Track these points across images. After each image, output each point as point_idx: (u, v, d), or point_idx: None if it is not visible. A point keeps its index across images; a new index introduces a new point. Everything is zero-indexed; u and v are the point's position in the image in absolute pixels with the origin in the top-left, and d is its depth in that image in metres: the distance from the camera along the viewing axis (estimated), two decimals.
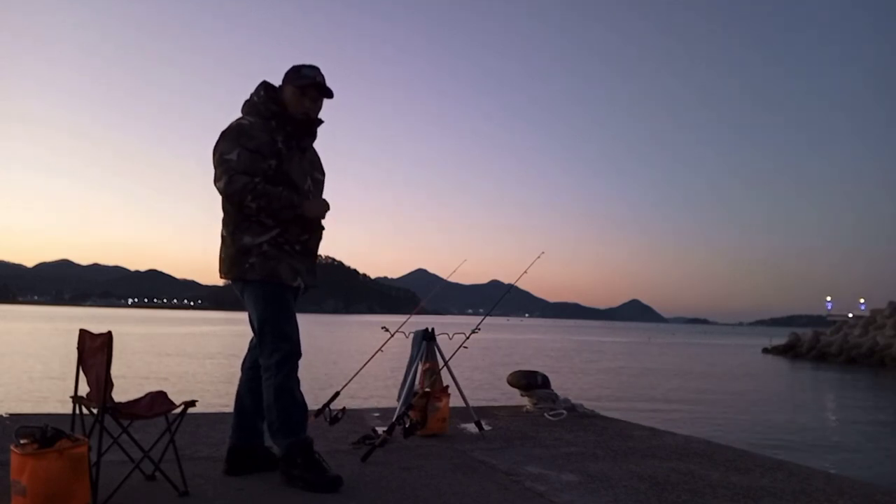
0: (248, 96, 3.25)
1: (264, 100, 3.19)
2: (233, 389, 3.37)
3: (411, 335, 4.67)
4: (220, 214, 3.20)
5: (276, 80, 3.22)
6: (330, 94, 3.22)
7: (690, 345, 67.66)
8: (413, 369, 4.52)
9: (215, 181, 3.04)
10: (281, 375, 3.06)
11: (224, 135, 3.10)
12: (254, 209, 3.03)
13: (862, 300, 58.44)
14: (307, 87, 3.15)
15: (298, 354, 3.14)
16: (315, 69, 3.19)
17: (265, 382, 3.09)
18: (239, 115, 3.23)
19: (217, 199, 3.19)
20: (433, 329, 4.66)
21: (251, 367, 3.28)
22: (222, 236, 3.16)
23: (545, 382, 5.58)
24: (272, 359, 3.08)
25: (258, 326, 3.12)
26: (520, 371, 5.72)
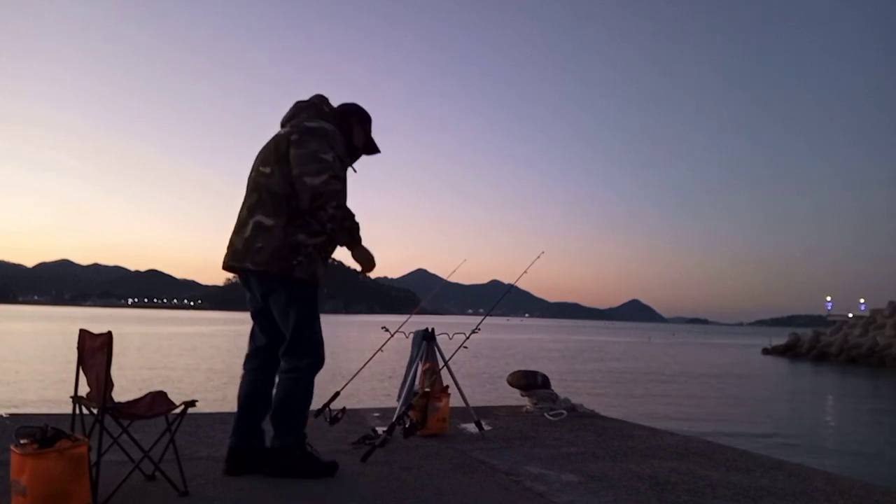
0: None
1: (339, 118, 3.30)
2: (233, 390, 3.37)
3: (411, 335, 4.67)
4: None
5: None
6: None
7: (690, 345, 67.66)
8: (413, 369, 4.52)
9: (306, 174, 2.98)
10: (309, 379, 3.16)
11: (313, 132, 3.10)
12: (327, 216, 3.02)
13: (862, 300, 58.47)
14: (371, 138, 3.46)
15: (323, 362, 3.23)
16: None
17: (289, 381, 3.14)
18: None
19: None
20: (433, 329, 4.66)
21: (257, 368, 3.28)
22: (263, 225, 3.06)
23: (545, 382, 5.58)
24: (303, 361, 3.14)
25: (295, 326, 3.13)
26: (520, 371, 5.71)
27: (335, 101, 3.42)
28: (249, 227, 3.10)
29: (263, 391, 3.24)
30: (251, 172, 3.26)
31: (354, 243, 3.14)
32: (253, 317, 3.31)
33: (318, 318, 3.22)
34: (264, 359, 3.27)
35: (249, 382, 3.27)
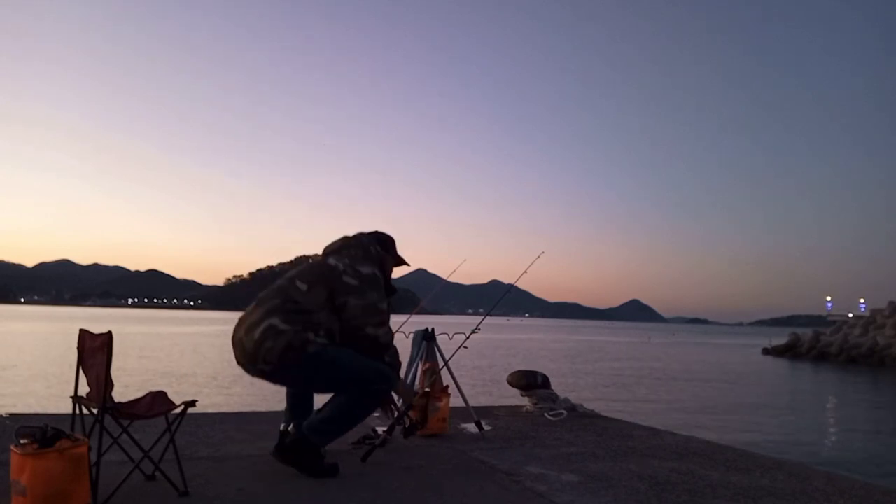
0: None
1: (382, 260, 3.50)
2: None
3: (411, 335, 4.67)
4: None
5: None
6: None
7: (690, 345, 67.66)
8: (413, 369, 4.52)
9: (369, 326, 3.22)
10: (378, 399, 3.30)
11: (371, 281, 3.30)
12: (385, 364, 3.32)
13: (862, 300, 58.49)
14: (399, 257, 3.66)
15: (390, 384, 3.33)
16: None
17: (361, 398, 3.22)
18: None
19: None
20: (433, 329, 4.66)
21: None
22: (277, 329, 3.08)
23: (545, 382, 5.58)
24: (375, 386, 3.24)
25: (347, 376, 3.19)
26: (520, 371, 5.71)
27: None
28: (261, 328, 3.11)
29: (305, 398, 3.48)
30: (279, 280, 3.34)
31: (398, 385, 3.43)
32: None
33: (354, 358, 3.22)
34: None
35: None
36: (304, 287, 3.22)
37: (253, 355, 3.11)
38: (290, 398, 3.51)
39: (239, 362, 3.23)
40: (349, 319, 3.20)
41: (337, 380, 3.20)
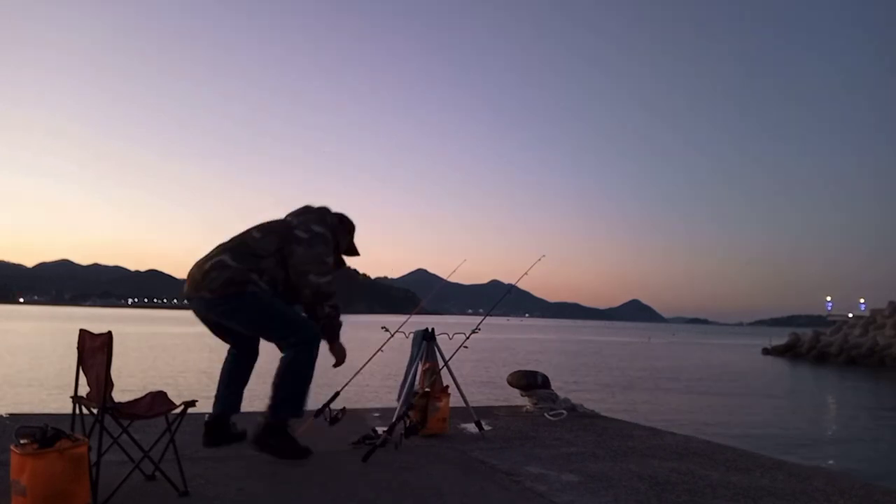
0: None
1: (335, 229, 3.69)
2: None
3: (411, 335, 4.67)
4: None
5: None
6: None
7: (690, 345, 67.65)
8: (413, 369, 4.52)
9: (312, 273, 3.41)
10: (313, 350, 3.37)
11: (321, 237, 3.53)
12: (323, 313, 3.47)
13: (862, 300, 58.43)
14: (353, 244, 3.87)
15: (319, 337, 3.44)
16: None
17: (296, 354, 3.35)
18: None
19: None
20: (433, 329, 4.66)
21: (237, 354, 3.64)
22: (225, 263, 3.36)
23: (545, 382, 5.58)
24: (303, 337, 3.37)
25: (278, 320, 3.39)
26: (520, 371, 5.71)
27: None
28: (211, 262, 3.40)
29: (239, 369, 3.65)
30: (239, 233, 3.59)
31: (335, 339, 3.60)
32: (215, 333, 3.64)
33: (288, 306, 3.45)
34: (243, 350, 3.65)
35: (231, 359, 3.67)
36: (258, 235, 3.52)
37: (199, 283, 3.36)
38: (224, 383, 3.68)
39: (186, 295, 3.46)
40: (294, 265, 3.42)
41: (265, 323, 3.40)
